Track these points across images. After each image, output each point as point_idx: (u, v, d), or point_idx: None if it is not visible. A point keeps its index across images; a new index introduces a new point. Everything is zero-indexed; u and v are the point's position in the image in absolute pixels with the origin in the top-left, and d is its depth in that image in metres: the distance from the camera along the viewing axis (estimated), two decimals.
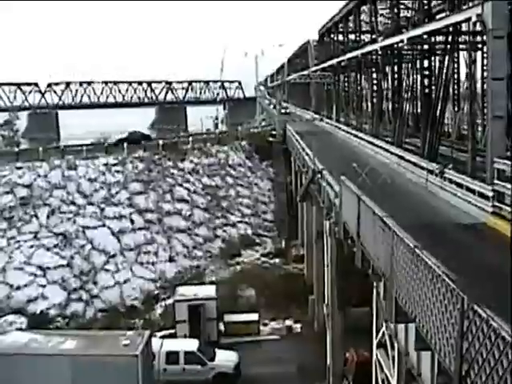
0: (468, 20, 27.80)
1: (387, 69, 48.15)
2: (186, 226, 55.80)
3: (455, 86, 53.12)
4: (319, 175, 32.70)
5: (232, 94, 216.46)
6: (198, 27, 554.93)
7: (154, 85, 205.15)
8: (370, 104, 56.92)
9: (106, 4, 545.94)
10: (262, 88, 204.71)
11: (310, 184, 35.99)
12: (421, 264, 12.15)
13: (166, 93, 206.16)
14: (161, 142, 65.19)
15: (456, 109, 54.34)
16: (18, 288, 44.73)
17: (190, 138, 69.22)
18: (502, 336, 8.38)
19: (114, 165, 57.10)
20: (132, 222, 52.88)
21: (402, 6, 48.51)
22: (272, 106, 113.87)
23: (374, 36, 53.68)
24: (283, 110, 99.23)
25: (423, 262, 11.97)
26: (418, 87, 42.01)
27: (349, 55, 58.21)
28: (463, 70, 49.78)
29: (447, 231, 21.60)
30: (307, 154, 40.93)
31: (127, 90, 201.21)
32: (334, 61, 67.04)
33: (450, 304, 10.44)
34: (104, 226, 51.27)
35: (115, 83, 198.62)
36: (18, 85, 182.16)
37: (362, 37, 60.00)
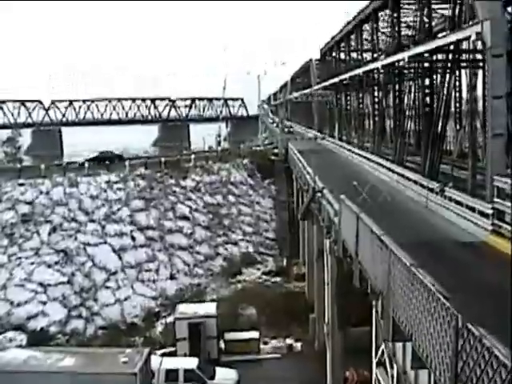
0: (468, 38, 27.87)
1: (389, 87, 48.20)
2: (187, 243, 55.77)
3: (457, 104, 53.16)
4: (319, 194, 32.67)
5: (235, 111, 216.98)
6: (199, 29, 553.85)
7: (157, 102, 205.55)
8: (371, 122, 56.93)
9: (107, 4, 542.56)
10: (265, 106, 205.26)
11: (310, 202, 35.97)
12: (416, 282, 12.10)
13: (170, 110, 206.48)
14: (163, 159, 65.31)
15: (458, 127, 54.33)
16: (19, 305, 44.71)
17: (192, 156, 69.34)
18: (495, 355, 8.33)
19: (116, 182, 57.21)
20: (133, 239, 52.88)
21: (403, 25, 48.66)
22: (275, 125, 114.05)
23: (375, 54, 53.77)
24: (287, 129, 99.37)
25: (419, 281, 11.92)
26: (420, 105, 42.02)
27: (350, 73, 58.30)
28: (465, 88, 49.84)
29: (446, 249, 21.54)
30: (308, 173, 40.94)
31: (130, 107, 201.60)
32: (336, 79, 67.14)
33: (444, 323, 10.39)
34: (105, 243, 51.28)
35: (119, 100, 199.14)
36: (22, 102, 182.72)
37: (364, 55, 60.14)
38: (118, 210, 54.50)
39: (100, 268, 49.19)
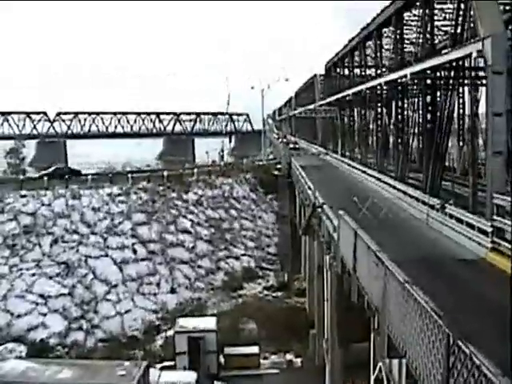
0: (469, 56, 27.97)
1: (391, 103, 48.30)
2: (188, 257, 55.72)
3: (460, 121, 53.28)
4: (320, 209, 32.68)
5: (240, 126, 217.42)
6: (199, 29, 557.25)
7: (162, 116, 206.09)
8: (374, 138, 57.02)
9: (107, 4, 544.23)
10: (270, 121, 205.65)
11: (311, 218, 35.97)
12: (410, 299, 12.09)
13: (174, 124, 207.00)
14: (165, 173, 65.43)
15: (461, 144, 54.43)
16: (19, 316, 44.68)
17: (195, 170, 69.43)
18: (484, 373, 8.30)
19: (118, 195, 57.28)
20: (135, 252, 52.85)
21: (406, 41, 48.85)
22: (280, 140, 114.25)
23: (378, 71, 53.94)
24: (292, 145, 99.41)
25: (412, 297, 11.90)
26: (422, 122, 42.12)
27: (354, 89, 58.51)
28: (468, 105, 49.91)
29: (444, 266, 21.51)
30: (309, 188, 40.98)
31: (135, 121, 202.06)
32: (340, 95, 67.39)
33: (436, 340, 10.36)
34: (107, 255, 51.29)
35: (124, 114, 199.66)
36: (27, 113, 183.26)
37: (368, 71, 60.31)
38: (120, 222, 54.51)
39: (101, 280, 49.17)
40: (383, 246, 16.49)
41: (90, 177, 60.98)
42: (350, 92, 61.51)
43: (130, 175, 61.96)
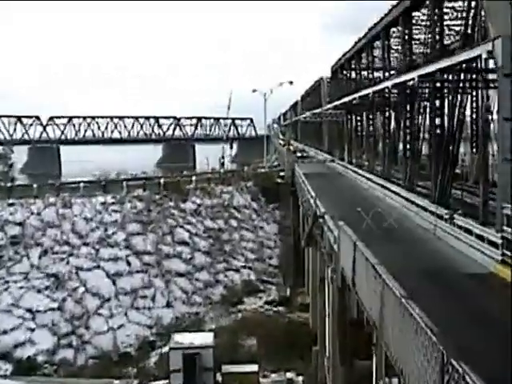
0: (479, 57, 27.93)
1: (400, 107, 48.29)
2: (185, 270, 55.69)
3: (474, 127, 53.17)
4: (321, 219, 32.64)
5: (243, 131, 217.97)
6: (199, 29, 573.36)
7: (161, 120, 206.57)
8: (382, 144, 57.02)
9: (107, 4, 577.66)
10: (275, 126, 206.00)
11: (313, 228, 35.93)
12: (406, 315, 12.03)
13: (174, 129, 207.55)
14: (162, 180, 65.45)
15: (474, 150, 54.30)
16: (5, 332, 44.61)
17: (193, 178, 69.44)
18: None
19: (112, 204, 57.33)
20: (129, 264, 52.86)
21: (415, 42, 48.86)
22: (286, 147, 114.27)
23: (386, 73, 53.97)
24: (299, 153, 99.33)
25: (408, 313, 11.85)
26: (430, 127, 42.04)
27: (361, 93, 58.52)
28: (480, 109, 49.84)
29: (451, 280, 21.43)
30: (312, 197, 40.95)
31: (133, 126, 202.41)
32: (346, 99, 67.40)
33: (432, 358, 10.29)
34: (99, 267, 51.31)
35: (120, 118, 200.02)
36: (19, 117, 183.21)
37: (375, 74, 60.41)
38: (114, 233, 54.56)
39: (93, 294, 49.16)
40: (384, 258, 16.43)
41: (82, 184, 60.95)
42: (356, 96, 61.49)
43: (124, 183, 61.99)
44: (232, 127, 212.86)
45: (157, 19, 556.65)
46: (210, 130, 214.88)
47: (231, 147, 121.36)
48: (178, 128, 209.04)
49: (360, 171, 60.57)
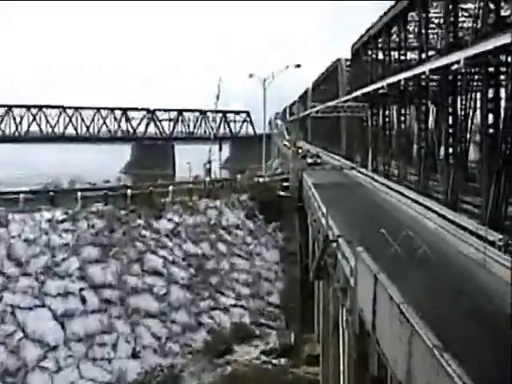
0: None
1: (440, 99, 48.23)
2: (158, 309, 55.63)
3: None
4: (335, 244, 32.56)
5: (237, 129, 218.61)
6: (199, 28, 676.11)
7: (130, 113, 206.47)
8: (416, 147, 56.96)
9: (107, 4, 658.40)
10: (278, 122, 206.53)
11: (323, 256, 35.83)
12: (441, 372, 11.88)
13: (148, 125, 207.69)
14: (129, 191, 65.32)
15: None
16: None
17: (171, 188, 69.23)
18: None
19: (62, 221, 57.19)
20: (83, 301, 52.75)
21: (464, 13, 48.92)
22: (291, 149, 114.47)
23: (423, 54, 53.87)
24: (311, 160, 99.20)
25: (443, 369, 11.70)
26: (481, 125, 41.96)
27: (389, 80, 58.56)
28: None
29: (500, 328, 21.27)
30: (323, 215, 40.87)
31: (93, 120, 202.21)
32: (371, 88, 67.45)
33: None
34: (43, 306, 51.16)
35: (76, 109, 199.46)
36: None
37: (409, 55, 60.42)
38: (64, 259, 54.46)
39: (34, 341, 48.98)
40: (414, 297, 16.31)
41: (22, 196, 60.74)
42: (384, 83, 61.55)
43: (79, 194, 61.84)
44: (223, 123, 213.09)
45: (157, 19, 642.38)
46: (195, 127, 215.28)
47: (220, 149, 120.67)
48: (152, 123, 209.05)
49: (388, 182, 60.47)
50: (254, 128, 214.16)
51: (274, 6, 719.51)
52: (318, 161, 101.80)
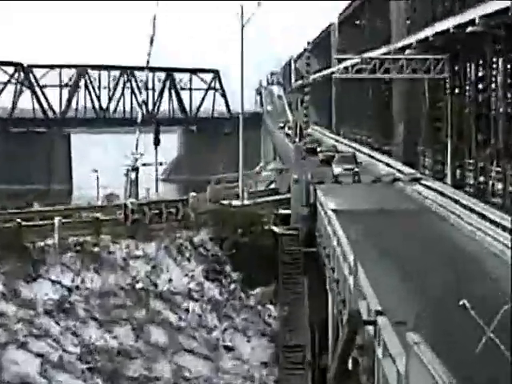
0: None
1: None
2: None
3: None
4: (371, 327, 32.81)
5: (197, 103, 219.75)
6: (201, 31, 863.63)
7: None
8: None
9: (107, 4, 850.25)
10: (274, 89, 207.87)
11: (350, 350, 36.12)
12: None
13: (17, 96, 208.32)
14: None
15: None
16: None
17: (57, 221, 69.19)
18: None
19: None
20: None
21: None
22: (294, 142, 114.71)
23: None
24: (338, 167, 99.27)
25: None
26: None
27: (484, 10, 59.24)
28: None
29: None
30: (351, 271, 41.07)
31: None
32: (450, 23, 68.15)
33: None
34: None
35: None
36: None
37: None
38: None
39: None
40: None
41: None
42: (476, 16, 62.14)
43: None
44: (166, 90, 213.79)
45: (157, 19, 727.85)
46: (110, 100, 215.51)
47: (157, 142, 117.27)
48: (29, 93, 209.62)
49: (485, 210, 60.32)
50: (227, 103, 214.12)
51: (273, 5, 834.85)
52: (356, 169, 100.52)
